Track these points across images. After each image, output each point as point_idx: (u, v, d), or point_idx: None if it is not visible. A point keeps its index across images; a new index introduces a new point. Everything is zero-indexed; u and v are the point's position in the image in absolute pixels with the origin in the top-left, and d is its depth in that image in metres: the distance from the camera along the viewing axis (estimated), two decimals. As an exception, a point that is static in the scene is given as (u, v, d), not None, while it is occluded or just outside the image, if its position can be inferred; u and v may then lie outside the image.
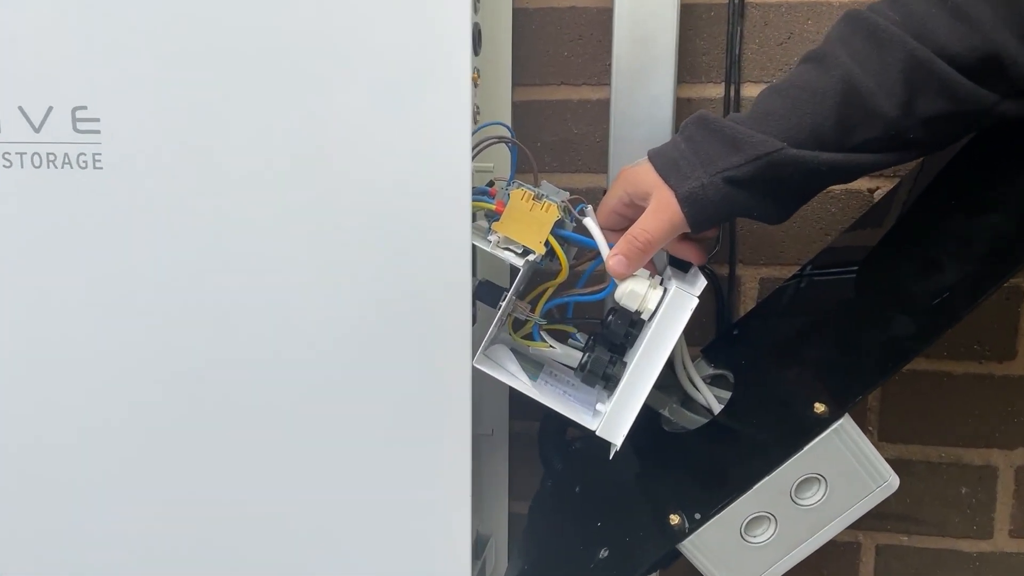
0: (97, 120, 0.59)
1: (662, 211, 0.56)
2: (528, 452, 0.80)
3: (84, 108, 0.59)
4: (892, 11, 0.51)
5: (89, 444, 0.64)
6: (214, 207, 0.60)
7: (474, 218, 0.66)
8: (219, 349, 0.62)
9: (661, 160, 0.57)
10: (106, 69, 0.58)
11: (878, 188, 0.76)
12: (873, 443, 0.78)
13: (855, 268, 0.67)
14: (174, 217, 0.60)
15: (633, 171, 0.60)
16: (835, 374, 0.58)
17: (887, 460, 0.56)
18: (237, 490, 0.64)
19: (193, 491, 0.64)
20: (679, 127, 0.59)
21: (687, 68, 0.76)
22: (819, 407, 0.54)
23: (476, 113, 0.72)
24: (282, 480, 0.64)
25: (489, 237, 0.60)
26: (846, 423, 0.54)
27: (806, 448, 0.54)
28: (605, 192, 0.64)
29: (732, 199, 0.55)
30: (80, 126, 0.59)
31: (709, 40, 0.76)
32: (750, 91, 0.76)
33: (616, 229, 0.62)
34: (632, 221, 0.59)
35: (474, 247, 0.60)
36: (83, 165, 0.60)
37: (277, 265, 0.60)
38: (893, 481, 0.56)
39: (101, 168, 0.60)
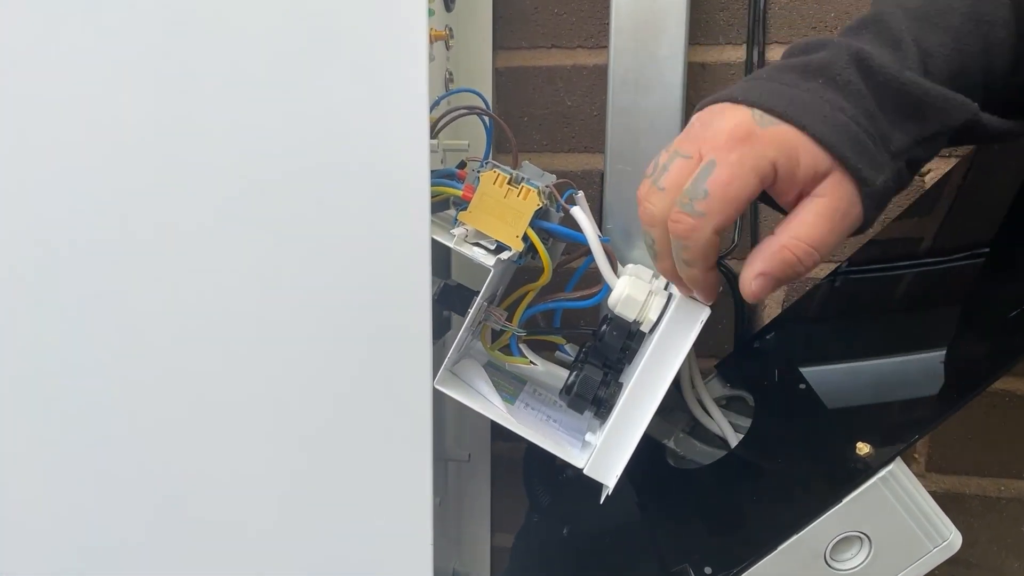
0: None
1: (842, 215, 0.39)
2: (514, 477, 0.70)
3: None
4: None
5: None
6: (108, 203, 0.50)
7: (445, 206, 0.56)
8: (116, 352, 0.52)
9: (832, 132, 0.38)
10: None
11: (929, 171, 0.64)
12: (919, 473, 0.68)
13: (904, 265, 0.55)
14: (68, 216, 0.50)
15: (782, 133, 0.39)
16: (884, 404, 0.47)
17: (936, 494, 0.45)
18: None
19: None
20: (786, 67, 0.41)
21: (701, 26, 0.65)
22: (862, 448, 0.44)
23: (448, 80, 0.61)
24: (213, 515, 0.53)
25: (454, 230, 0.49)
26: (896, 469, 0.43)
27: (846, 500, 0.43)
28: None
29: (905, 185, 0.41)
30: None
31: (728, -8, 0.64)
32: (776, 54, 0.64)
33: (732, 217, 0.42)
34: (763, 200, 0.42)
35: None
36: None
37: (185, 261, 0.50)
38: (955, 540, 0.46)
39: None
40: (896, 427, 0.44)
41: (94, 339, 0.51)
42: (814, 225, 0.38)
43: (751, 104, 0.39)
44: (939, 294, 0.51)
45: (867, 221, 0.40)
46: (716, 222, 0.39)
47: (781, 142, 0.38)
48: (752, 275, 0.40)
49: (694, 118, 0.42)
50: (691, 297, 0.46)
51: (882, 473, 0.43)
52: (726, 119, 0.39)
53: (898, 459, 0.44)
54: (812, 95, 0.39)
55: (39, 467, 0.55)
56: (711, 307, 0.47)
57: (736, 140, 0.39)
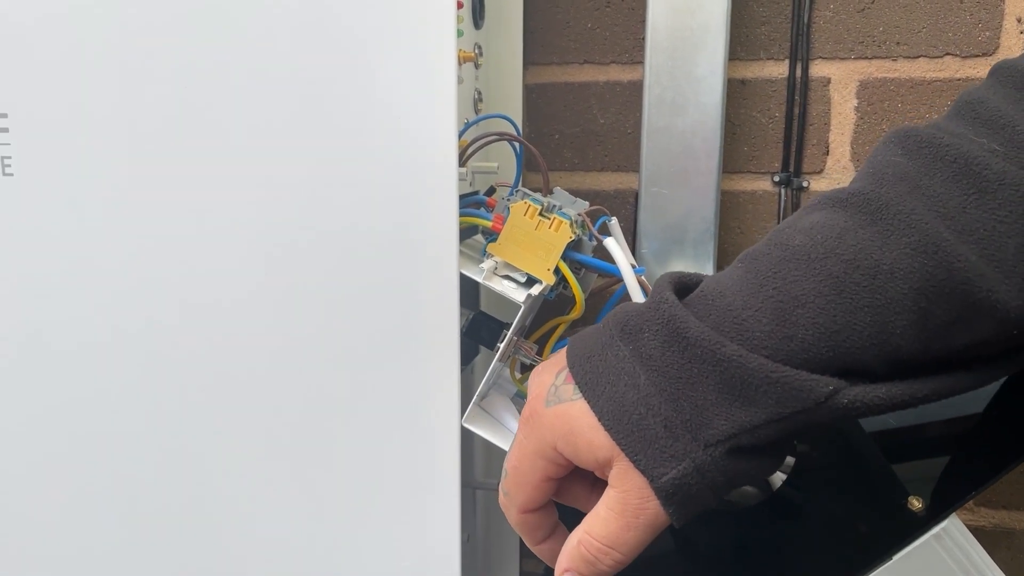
0: (4, 116, 0.49)
1: (635, 511, 0.34)
2: (543, 503, 0.68)
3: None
4: (980, 133, 0.32)
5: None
6: (141, 218, 0.49)
7: (474, 231, 0.54)
8: (139, 381, 0.51)
9: (613, 413, 0.34)
10: (13, 57, 0.48)
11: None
12: (967, 508, 0.65)
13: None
14: (97, 231, 0.49)
15: (562, 413, 0.35)
16: (940, 450, 0.44)
17: (985, 530, 0.43)
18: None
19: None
20: (615, 322, 0.36)
21: (741, 41, 0.62)
22: (915, 503, 0.41)
23: (477, 100, 0.59)
24: (234, 549, 0.52)
25: (483, 263, 0.48)
26: (951, 525, 0.41)
27: (897, 556, 0.41)
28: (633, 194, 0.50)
29: (738, 474, 0.33)
30: (-17, 124, 0.49)
31: (769, 5, 0.61)
32: (820, 70, 0.61)
33: (545, 507, 0.40)
34: (568, 485, 0.39)
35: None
36: (-11, 171, 0.50)
37: (217, 290, 0.48)
38: (1012, 599, 0.42)
39: (12, 175, 0.50)
40: (955, 478, 0.42)
41: (121, 344, 0.51)
42: (606, 521, 0.34)
43: (568, 361, 0.36)
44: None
45: (678, 518, 0.34)
46: (517, 503, 0.38)
47: (558, 425, 0.35)
48: (559, 572, 0.36)
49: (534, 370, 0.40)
50: None
51: (935, 530, 0.41)
52: (534, 386, 0.38)
53: (953, 515, 0.41)
54: (616, 363, 0.34)
55: (57, 476, 0.55)
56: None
57: (524, 419, 0.37)
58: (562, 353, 0.38)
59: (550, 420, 0.36)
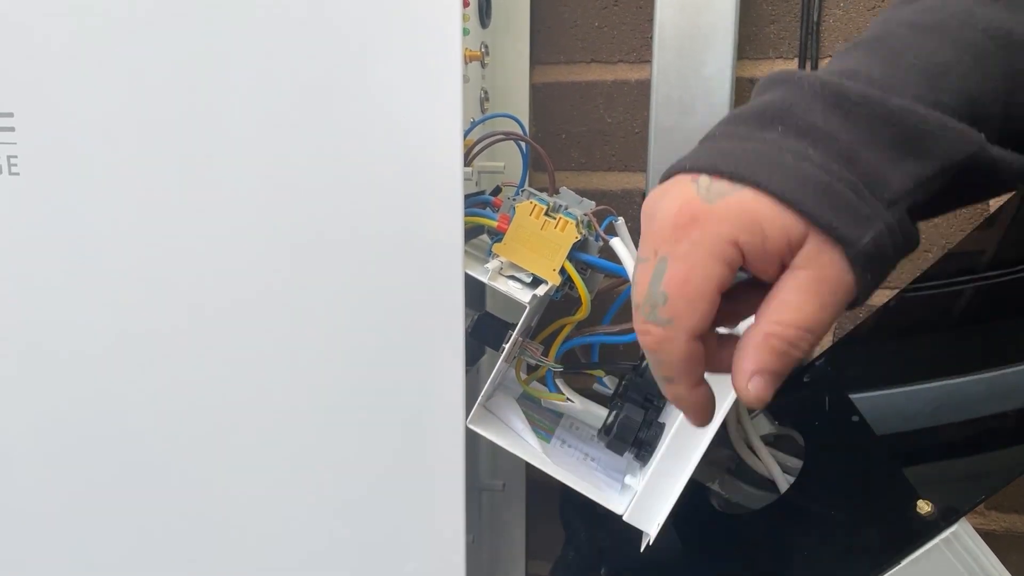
0: (11, 115, 0.49)
1: (832, 288, 0.31)
2: (550, 504, 0.68)
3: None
4: None
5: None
6: (146, 219, 0.49)
7: (479, 230, 0.54)
8: (140, 384, 0.51)
9: (797, 188, 0.31)
10: (19, 56, 0.48)
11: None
12: (978, 511, 0.64)
13: (968, 281, 0.52)
14: (101, 229, 0.49)
15: (736, 203, 0.31)
16: (951, 452, 0.44)
17: (996, 534, 0.42)
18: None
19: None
20: (739, 121, 0.33)
21: (750, 40, 0.62)
22: (923, 506, 0.41)
23: (484, 99, 0.59)
24: (239, 551, 0.52)
25: (488, 264, 0.47)
26: (960, 529, 0.40)
27: (905, 561, 0.41)
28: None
29: (909, 238, 0.32)
30: (-10, 124, 0.49)
31: (778, 4, 0.61)
32: (830, 68, 0.60)
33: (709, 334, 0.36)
34: (740, 286, 0.35)
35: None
36: (-6, 170, 0.50)
37: (222, 289, 0.48)
38: (1024, 605, 0.42)
39: (17, 174, 0.50)
40: (964, 483, 0.41)
41: (129, 343, 0.51)
42: (799, 306, 0.31)
43: (696, 171, 0.32)
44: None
45: (861, 292, 0.32)
46: (687, 326, 0.33)
47: (737, 214, 0.31)
48: (745, 379, 0.32)
49: (643, 206, 0.35)
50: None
51: (945, 534, 0.40)
52: (668, 201, 0.33)
53: (963, 519, 0.41)
54: (770, 146, 0.31)
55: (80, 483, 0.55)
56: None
57: (681, 227, 0.32)
58: (673, 178, 0.34)
59: (724, 213, 0.31)
